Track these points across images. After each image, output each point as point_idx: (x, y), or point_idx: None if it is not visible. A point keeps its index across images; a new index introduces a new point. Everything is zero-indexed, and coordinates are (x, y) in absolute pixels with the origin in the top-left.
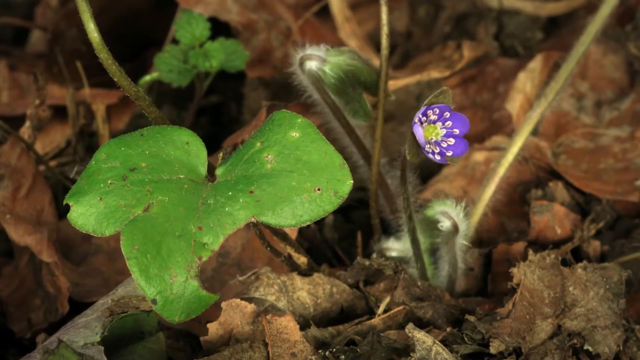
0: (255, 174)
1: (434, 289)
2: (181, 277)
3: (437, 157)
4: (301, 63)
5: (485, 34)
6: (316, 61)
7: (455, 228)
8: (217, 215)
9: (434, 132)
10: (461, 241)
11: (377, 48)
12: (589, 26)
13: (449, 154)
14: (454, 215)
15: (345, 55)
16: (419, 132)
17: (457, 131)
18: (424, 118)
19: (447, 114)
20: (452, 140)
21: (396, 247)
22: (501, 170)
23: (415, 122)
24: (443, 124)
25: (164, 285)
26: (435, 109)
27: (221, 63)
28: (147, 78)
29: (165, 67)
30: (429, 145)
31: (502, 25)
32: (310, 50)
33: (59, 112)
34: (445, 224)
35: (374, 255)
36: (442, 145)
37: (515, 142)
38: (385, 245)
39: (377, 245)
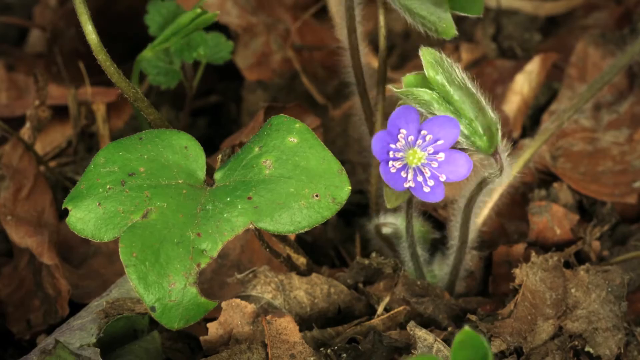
0: (253, 179)
1: (433, 288)
2: (180, 284)
3: (431, 184)
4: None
5: (483, 35)
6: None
7: (500, 170)
8: (216, 222)
9: (415, 156)
10: (502, 181)
11: (376, 48)
12: (618, 59)
13: (443, 178)
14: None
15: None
16: (386, 171)
17: (441, 141)
18: (393, 145)
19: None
20: (441, 156)
21: (391, 220)
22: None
23: (381, 162)
24: (423, 140)
25: (163, 292)
26: (402, 130)
27: (207, 53)
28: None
29: (153, 71)
30: (415, 176)
31: (500, 27)
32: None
33: (59, 112)
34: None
35: (373, 255)
36: (432, 166)
37: (528, 149)
38: (382, 221)
39: (374, 222)
